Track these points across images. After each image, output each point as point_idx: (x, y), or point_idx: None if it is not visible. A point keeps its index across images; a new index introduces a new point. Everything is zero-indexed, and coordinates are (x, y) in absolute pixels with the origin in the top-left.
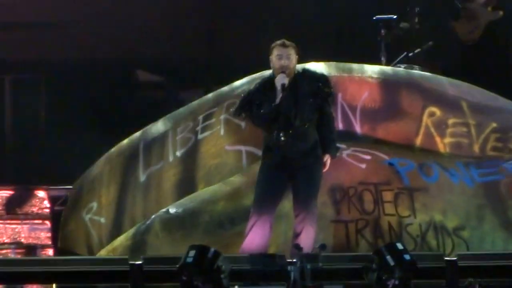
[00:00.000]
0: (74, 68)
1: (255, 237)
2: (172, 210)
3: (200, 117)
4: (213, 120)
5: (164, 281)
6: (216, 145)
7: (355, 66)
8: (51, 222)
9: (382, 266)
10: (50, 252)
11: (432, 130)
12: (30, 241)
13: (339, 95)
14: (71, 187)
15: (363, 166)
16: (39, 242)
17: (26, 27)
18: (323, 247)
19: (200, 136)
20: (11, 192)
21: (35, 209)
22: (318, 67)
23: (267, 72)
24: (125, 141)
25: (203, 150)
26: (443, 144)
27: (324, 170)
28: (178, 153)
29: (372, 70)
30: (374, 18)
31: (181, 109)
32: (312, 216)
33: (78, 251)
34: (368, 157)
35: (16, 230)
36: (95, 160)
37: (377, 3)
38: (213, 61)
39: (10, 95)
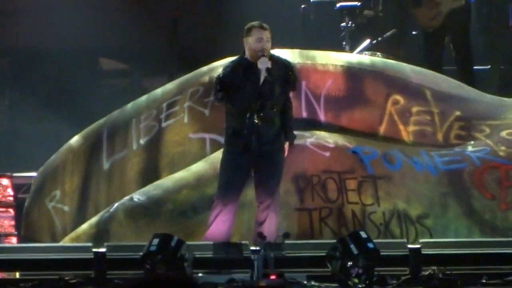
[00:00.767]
0: (39, 56)
1: (220, 226)
2: (135, 198)
3: (164, 105)
4: (177, 108)
5: (128, 269)
6: (179, 133)
7: (319, 53)
8: (15, 210)
9: (345, 254)
10: (13, 240)
11: (396, 118)
12: None
13: (303, 83)
14: (34, 174)
15: (327, 154)
16: (2, 230)
17: None
18: (286, 235)
19: (163, 124)
20: None
21: None
22: (282, 54)
23: (231, 58)
24: (89, 129)
25: (166, 138)
26: (406, 132)
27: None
28: (142, 141)
29: (336, 57)
30: (338, 5)
31: (145, 97)
32: (276, 204)
33: (42, 239)
34: (331, 145)
35: None
36: (58, 147)
37: None
38: (177, 49)
39: None
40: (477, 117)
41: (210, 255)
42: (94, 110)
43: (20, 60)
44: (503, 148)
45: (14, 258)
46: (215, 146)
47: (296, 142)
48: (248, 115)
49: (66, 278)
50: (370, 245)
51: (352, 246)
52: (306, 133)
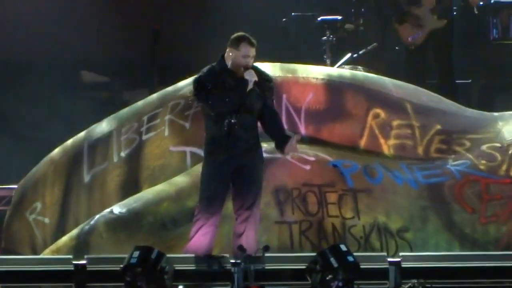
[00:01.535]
0: (20, 67)
1: (201, 238)
2: (116, 210)
3: (145, 118)
4: (158, 120)
5: (108, 281)
6: (160, 146)
7: (299, 67)
8: None
9: (326, 267)
10: None
11: (377, 131)
12: None
13: (284, 96)
14: (15, 187)
15: (307, 167)
16: None
17: None
18: (266, 248)
19: (144, 137)
20: None
21: None
22: (263, 67)
23: None
24: (70, 142)
25: (147, 151)
26: (387, 145)
27: (293, 151)
28: (123, 154)
29: (316, 71)
30: (319, 19)
31: (126, 110)
32: (254, 216)
33: (22, 251)
34: (312, 158)
35: None
36: (38, 160)
37: (323, 4)
38: (157, 62)
39: None
40: (458, 131)
41: (191, 268)
42: (74, 123)
43: (1, 72)
44: (483, 161)
45: None
46: (195, 159)
47: (276, 155)
48: (227, 118)
49: None
50: (350, 258)
51: (332, 259)
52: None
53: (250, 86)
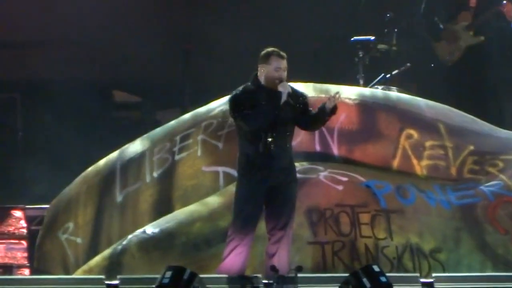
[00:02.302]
0: (51, 88)
1: (235, 258)
2: (148, 230)
3: (177, 138)
4: (190, 141)
5: None
6: (193, 166)
7: (332, 87)
8: (27, 242)
9: None
10: (26, 272)
11: (409, 152)
12: (6, 260)
13: None
14: (47, 206)
15: (340, 188)
16: (15, 262)
17: (2, 46)
18: (299, 268)
19: (177, 157)
20: None
21: (11, 229)
22: (296, 87)
23: None
24: (102, 161)
25: (180, 171)
26: (420, 166)
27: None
28: (155, 174)
29: (349, 91)
30: (352, 39)
31: (158, 130)
32: (287, 237)
33: (54, 271)
34: (345, 179)
35: None
36: (71, 180)
37: (355, 24)
38: (189, 82)
39: None
40: (491, 151)
41: None
42: (107, 143)
43: (32, 93)
44: None
45: None
46: (228, 179)
47: (309, 175)
48: (262, 136)
49: None
50: (383, 279)
51: (364, 280)
52: (319, 167)
53: (284, 97)
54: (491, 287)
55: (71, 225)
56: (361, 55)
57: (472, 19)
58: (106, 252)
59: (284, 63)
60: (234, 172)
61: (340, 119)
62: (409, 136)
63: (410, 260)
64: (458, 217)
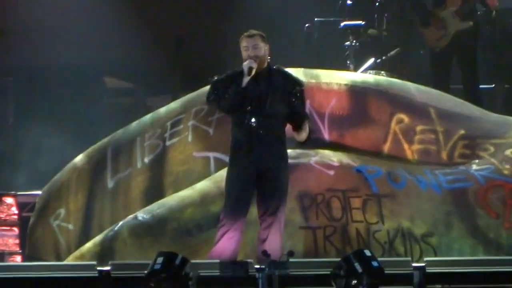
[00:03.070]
0: (42, 74)
1: (226, 243)
2: (140, 216)
3: (168, 124)
4: (181, 126)
5: (132, 287)
6: (184, 151)
7: (323, 72)
8: (19, 229)
9: (350, 273)
10: (18, 258)
11: (400, 137)
12: None
13: (307, 102)
14: (39, 193)
15: (331, 172)
16: (7, 249)
17: None
18: (290, 253)
19: (168, 143)
20: None
21: (2, 216)
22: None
23: None
24: (93, 148)
25: (171, 157)
26: (411, 151)
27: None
28: (146, 160)
29: (340, 76)
30: (342, 24)
31: (149, 116)
32: (278, 222)
33: (46, 258)
34: (336, 163)
35: None
36: (62, 166)
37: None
38: (180, 68)
39: None
40: (482, 135)
41: (215, 273)
42: (98, 129)
43: (23, 79)
44: (507, 166)
45: (19, 276)
46: (219, 165)
47: (300, 160)
48: (246, 116)
49: None
50: (375, 263)
51: (356, 265)
52: (311, 152)
53: (246, 71)
54: (482, 271)
55: (62, 211)
56: (351, 40)
57: (461, 4)
58: (98, 238)
59: (252, 41)
60: (225, 158)
61: (331, 104)
62: (400, 121)
63: (402, 244)
64: (449, 201)
